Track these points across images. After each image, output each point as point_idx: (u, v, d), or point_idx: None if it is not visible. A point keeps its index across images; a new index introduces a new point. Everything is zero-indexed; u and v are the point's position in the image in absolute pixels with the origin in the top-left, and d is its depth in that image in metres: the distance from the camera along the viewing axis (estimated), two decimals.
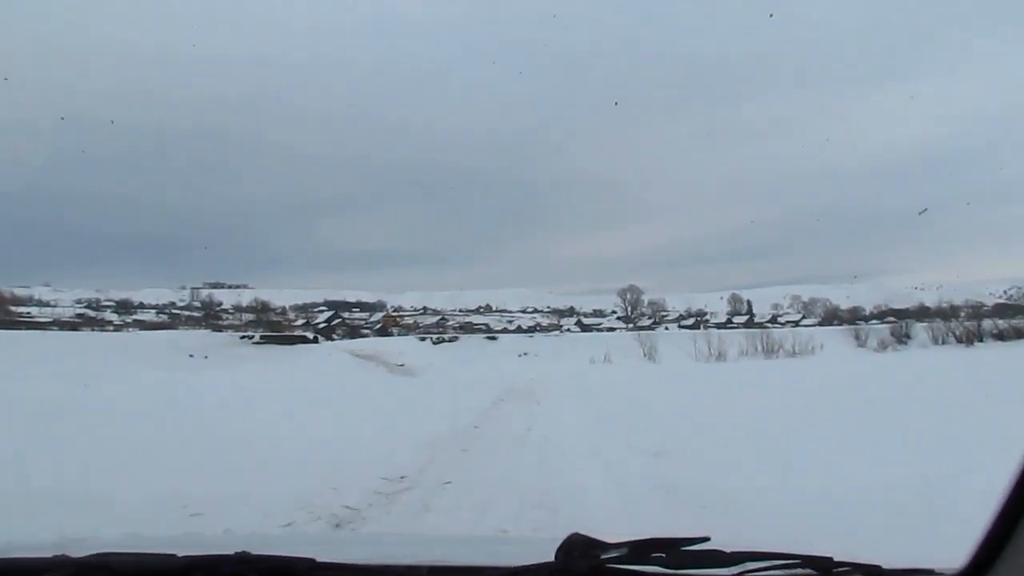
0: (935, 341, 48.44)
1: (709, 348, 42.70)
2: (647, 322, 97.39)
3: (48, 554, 1.39)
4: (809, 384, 19.07)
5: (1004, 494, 1.12)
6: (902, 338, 49.53)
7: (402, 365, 37.66)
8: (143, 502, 5.49)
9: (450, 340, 43.81)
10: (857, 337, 49.65)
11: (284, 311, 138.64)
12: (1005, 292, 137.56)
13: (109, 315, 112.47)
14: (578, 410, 13.91)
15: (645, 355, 41.52)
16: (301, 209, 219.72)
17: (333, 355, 36.60)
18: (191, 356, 34.66)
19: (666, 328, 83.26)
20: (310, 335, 39.97)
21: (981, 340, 47.48)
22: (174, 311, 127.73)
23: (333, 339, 65.04)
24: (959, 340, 47.84)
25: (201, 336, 37.81)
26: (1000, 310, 70.52)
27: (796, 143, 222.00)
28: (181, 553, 1.36)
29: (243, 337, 37.23)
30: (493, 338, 45.11)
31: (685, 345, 43.46)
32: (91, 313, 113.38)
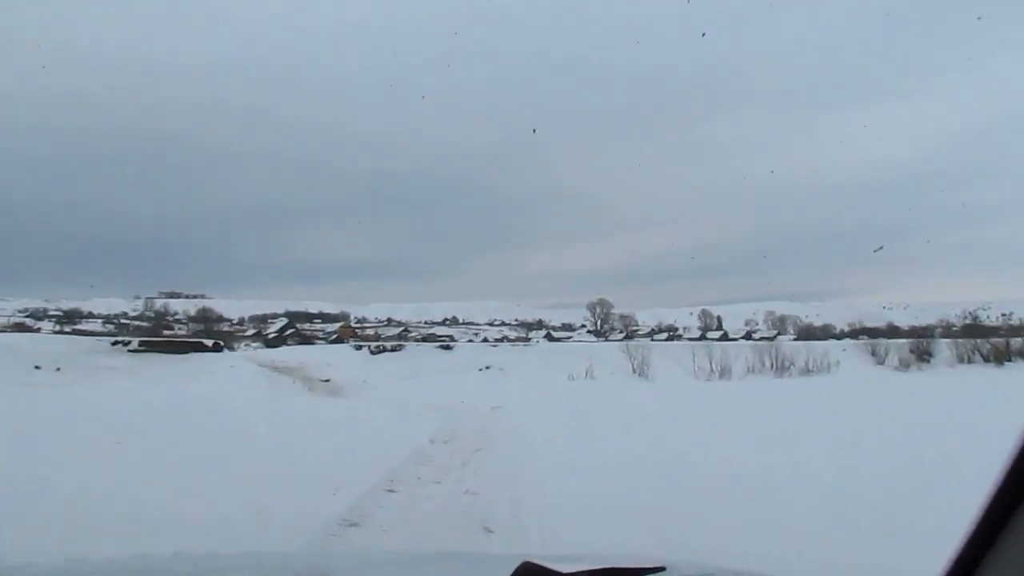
0: (960, 360, 40.49)
1: (711, 364, 33.47)
2: (619, 336, 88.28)
3: None
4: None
5: (978, 513, 0.99)
6: (923, 355, 41.05)
7: (327, 381, 27.81)
8: None
9: (392, 349, 33.76)
10: (874, 353, 40.87)
11: (242, 321, 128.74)
12: (970, 313, 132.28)
13: (47, 324, 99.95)
14: None
15: (635, 371, 32.03)
16: (267, 219, 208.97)
17: (236, 367, 26.59)
18: (37, 368, 24.75)
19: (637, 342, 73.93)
20: (209, 342, 30.01)
21: (1010, 360, 40.22)
22: (123, 321, 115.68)
23: (286, 346, 55.97)
24: (986, 359, 40.21)
25: (59, 341, 27.71)
26: (969, 330, 66.41)
27: (763, 163, 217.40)
28: None
29: (116, 343, 27.02)
30: (447, 347, 35.08)
31: (681, 359, 34.21)
32: (30, 323, 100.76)
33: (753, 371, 34.72)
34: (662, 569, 1.31)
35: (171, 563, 2.26)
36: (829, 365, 35.99)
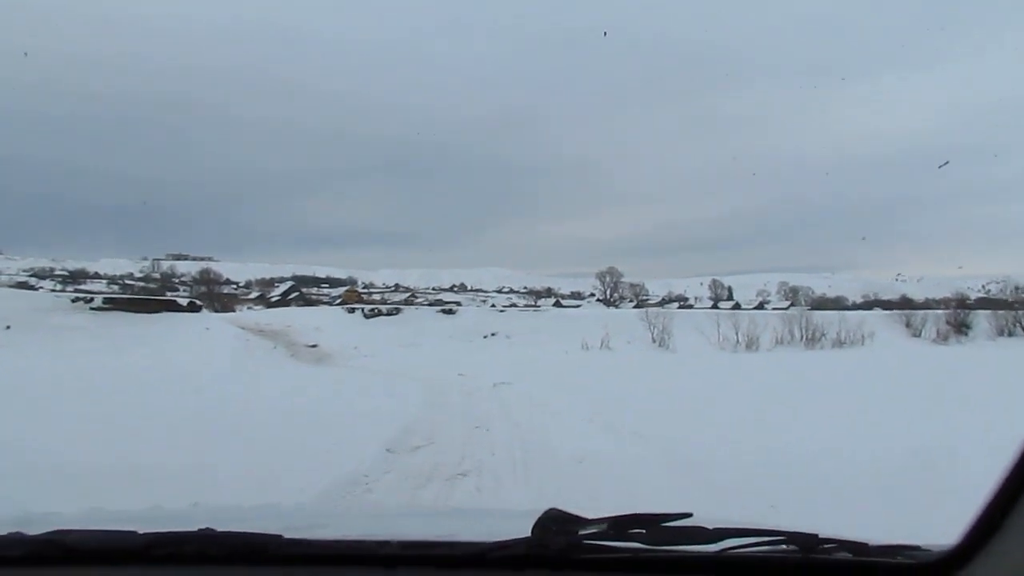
0: (1000, 332, 37.13)
1: (737, 333, 30.08)
2: (629, 305, 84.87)
3: (4, 531, 1.26)
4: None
5: (1002, 475, 1.00)
6: (961, 327, 37.64)
7: (314, 346, 24.60)
8: None
9: (389, 314, 30.40)
10: (908, 325, 37.39)
11: (249, 284, 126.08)
12: (983, 287, 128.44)
13: (49, 284, 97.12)
14: None
15: (655, 341, 28.64)
16: (277, 185, 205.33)
17: (212, 330, 23.36)
18: None
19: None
20: (184, 301, 26.73)
21: None
22: (128, 282, 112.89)
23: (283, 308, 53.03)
24: None
25: (16, 297, 24.51)
26: (983, 304, 63.62)
27: (776, 134, 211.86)
28: (144, 530, 1.25)
29: (76, 300, 23.77)
30: (450, 311, 31.61)
31: (703, 328, 30.76)
32: (33, 282, 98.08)
33: (782, 342, 31.40)
34: (688, 515, 1.26)
35: (190, 512, 2.15)
36: (863, 337, 32.61)
